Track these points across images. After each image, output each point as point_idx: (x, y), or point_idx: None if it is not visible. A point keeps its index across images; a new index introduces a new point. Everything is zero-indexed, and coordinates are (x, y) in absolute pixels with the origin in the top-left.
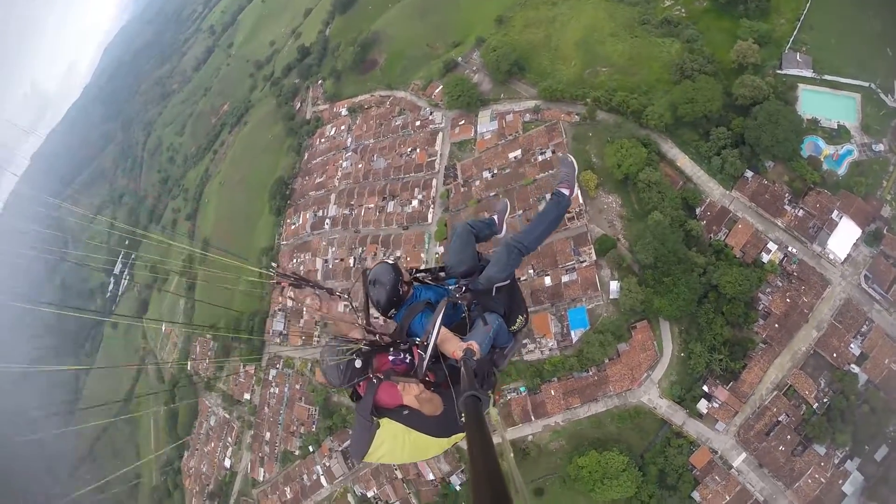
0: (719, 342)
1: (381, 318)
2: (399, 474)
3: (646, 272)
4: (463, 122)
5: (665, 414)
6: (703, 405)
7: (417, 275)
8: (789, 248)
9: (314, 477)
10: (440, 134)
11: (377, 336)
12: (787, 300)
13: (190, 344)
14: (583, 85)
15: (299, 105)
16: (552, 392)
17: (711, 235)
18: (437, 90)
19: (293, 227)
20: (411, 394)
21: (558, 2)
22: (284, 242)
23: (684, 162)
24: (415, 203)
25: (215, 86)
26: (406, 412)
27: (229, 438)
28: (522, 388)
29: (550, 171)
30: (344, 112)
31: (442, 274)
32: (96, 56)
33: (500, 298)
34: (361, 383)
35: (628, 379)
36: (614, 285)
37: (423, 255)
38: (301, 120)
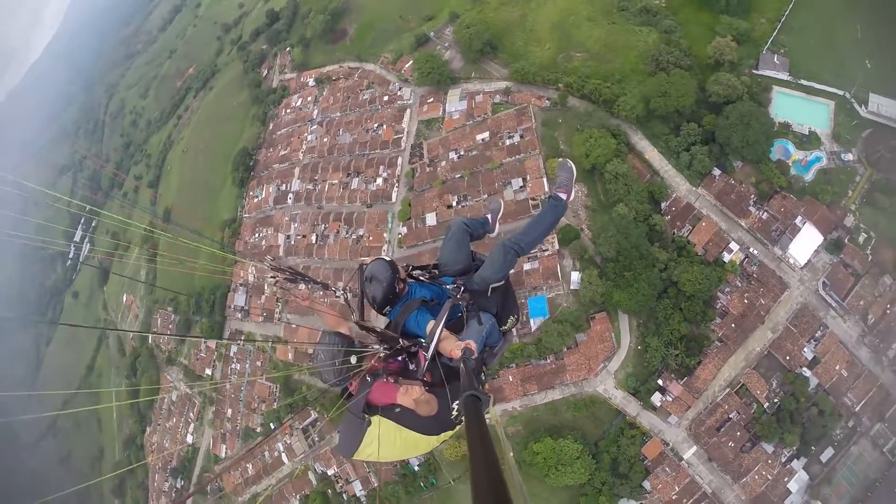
0: (676, 338)
1: (375, 315)
2: None
3: (607, 265)
4: (432, 99)
5: (620, 405)
6: (657, 398)
7: (413, 272)
8: (751, 250)
9: (276, 454)
10: (408, 111)
11: (370, 332)
12: (745, 301)
13: (151, 317)
14: (556, 69)
15: (266, 72)
16: (510, 378)
17: (675, 231)
18: (406, 65)
19: (256, 200)
20: (412, 396)
21: None
22: (247, 215)
23: (653, 155)
24: (379, 181)
25: (181, 48)
26: (398, 410)
27: (191, 414)
28: None
29: (518, 156)
30: (311, 83)
31: (436, 272)
32: (59, 13)
33: (494, 298)
34: (353, 381)
35: (585, 369)
36: (575, 276)
37: (385, 234)
38: (267, 88)
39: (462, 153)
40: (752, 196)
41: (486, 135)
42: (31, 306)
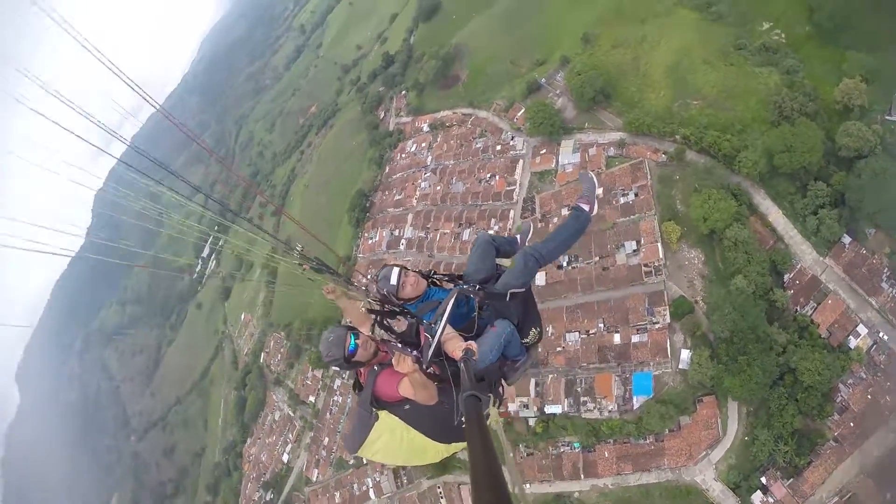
0: (787, 432)
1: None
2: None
3: (720, 346)
4: (544, 151)
5: (717, 498)
6: (757, 497)
7: (434, 277)
8: (880, 335)
9: (363, 488)
10: (521, 161)
11: (388, 330)
12: (868, 396)
13: (265, 337)
14: (672, 119)
15: (383, 115)
16: (605, 454)
17: (797, 308)
18: (519, 113)
19: (370, 241)
20: (404, 368)
21: (647, 19)
22: (361, 255)
23: (777, 217)
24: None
25: (304, 86)
26: (407, 407)
27: (290, 435)
28: (576, 444)
29: (632, 217)
30: (426, 128)
31: (460, 281)
32: (195, 46)
33: (514, 307)
34: (363, 370)
35: (685, 455)
36: (685, 354)
37: None
38: (384, 131)
39: None
40: (886, 270)
41: (599, 191)
42: (157, 309)
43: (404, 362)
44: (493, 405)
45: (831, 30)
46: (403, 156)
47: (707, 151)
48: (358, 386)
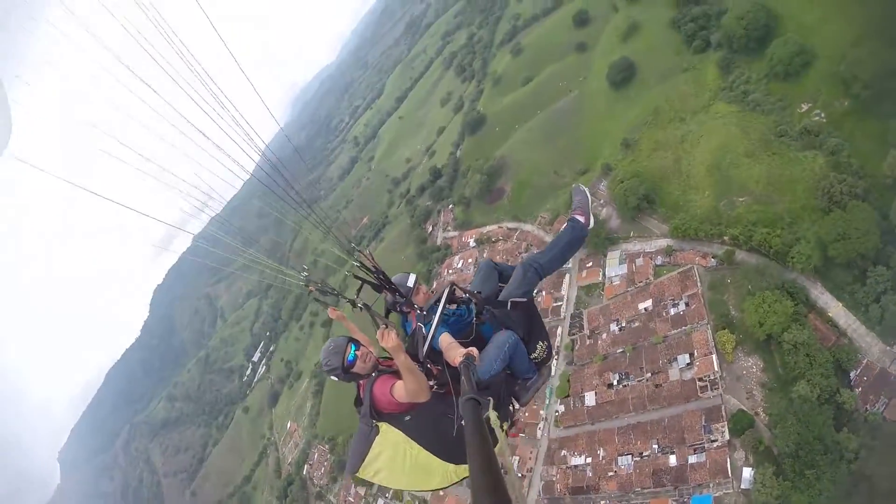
0: None
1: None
2: None
3: (785, 461)
4: (591, 264)
5: None
6: None
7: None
8: None
9: None
10: (567, 276)
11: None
12: None
13: (310, 448)
14: (718, 219)
15: (431, 229)
16: None
17: (867, 407)
18: (563, 226)
19: None
20: (388, 343)
21: (686, 118)
22: None
23: (837, 311)
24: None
25: (356, 197)
26: (408, 418)
27: None
28: None
29: (683, 328)
30: (472, 243)
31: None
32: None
33: (518, 319)
34: (362, 384)
35: None
36: (748, 473)
37: (542, 411)
38: (432, 246)
39: (624, 324)
40: None
41: (648, 303)
42: (205, 408)
43: (388, 336)
44: (502, 425)
45: (870, 100)
46: (451, 272)
47: (758, 250)
48: (358, 402)
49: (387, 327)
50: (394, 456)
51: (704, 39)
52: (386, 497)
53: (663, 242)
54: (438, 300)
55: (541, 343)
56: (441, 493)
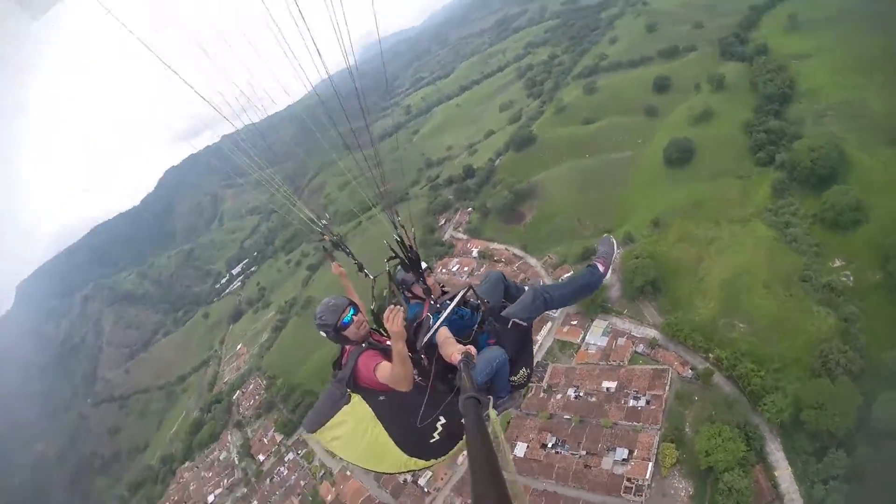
0: None
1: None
2: None
3: None
4: (575, 322)
5: None
6: None
7: (446, 289)
8: None
9: None
10: (549, 323)
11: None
12: None
13: (249, 377)
14: (712, 335)
15: (443, 223)
16: None
17: None
18: (565, 275)
19: None
20: (394, 326)
21: (722, 223)
22: None
23: (784, 474)
24: None
25: (386, 164)
26: (382, 398)
27: (226, 480)
28: None
29: (634, 423)
30: (475, 253)
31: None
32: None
33: (511, 339)
34: (347, 349)
35: None
36: None
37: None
38: (437, 238)
39: (581, 394)
40: None
41: (613, 384)
42: (171, 298)
43: (396, 318)
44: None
45: None
46: (444, 271)
47: (736, 381)
48: (337, 365)
49: (398, 308)
50: (355, 429)
51: (770, 155)
52: (298, 453)
53: (651, 333)
54: (453, 297)
55: (524, 369)
56: (349, 473)
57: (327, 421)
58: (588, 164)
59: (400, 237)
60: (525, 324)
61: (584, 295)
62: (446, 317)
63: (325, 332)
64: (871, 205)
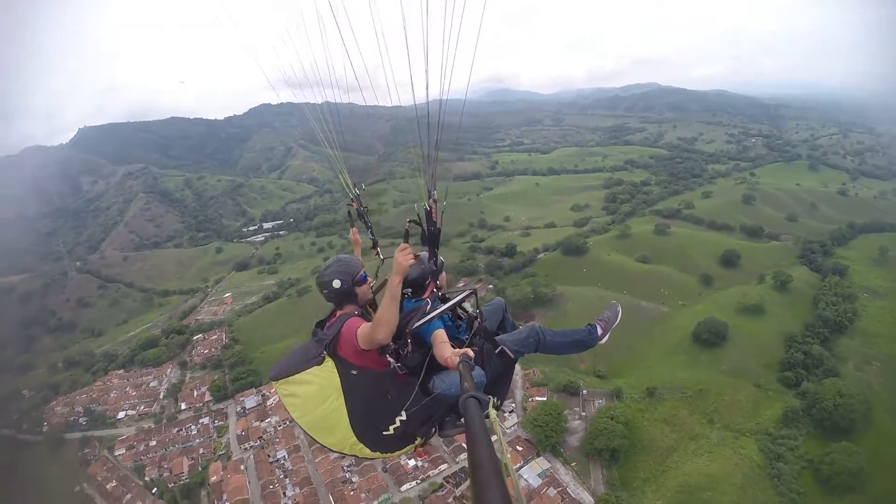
0: None
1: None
2: None
3: None
4: (521, 448)
5: None
6: None
7: (447, 295)
8: None
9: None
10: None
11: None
12: None
13: (217, 327)
14: None
15: (461, 285)
16: None
17: None
18: (539, 397)
19: None
20: (404, 259)
21: (715, 424)
22: None
23: None
24: None
25: (448, 205)
26: (355, 372)
27: (141, 407)
28: None
29: None
30: None
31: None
32: None
33: (495, 365)
34: (338, 312)
35: None
36: None
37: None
38: (444, 296)
39: None
40: None
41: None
42: (198, 216)
43: (408, 254)
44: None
45: None
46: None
47: None
48: (321, 325)
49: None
50: (316, 394)
51: (798, 378)
52: (214, 422)
53: (587, 500)
54: (457, 295)
55: (493, 398)
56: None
57: (292, 376)
58: (620, 300)
59: (430, 208)
60: (513, 356)
61: (577, 350)
62: (447, 308)
63: (341, 282)
64: (872, 477)
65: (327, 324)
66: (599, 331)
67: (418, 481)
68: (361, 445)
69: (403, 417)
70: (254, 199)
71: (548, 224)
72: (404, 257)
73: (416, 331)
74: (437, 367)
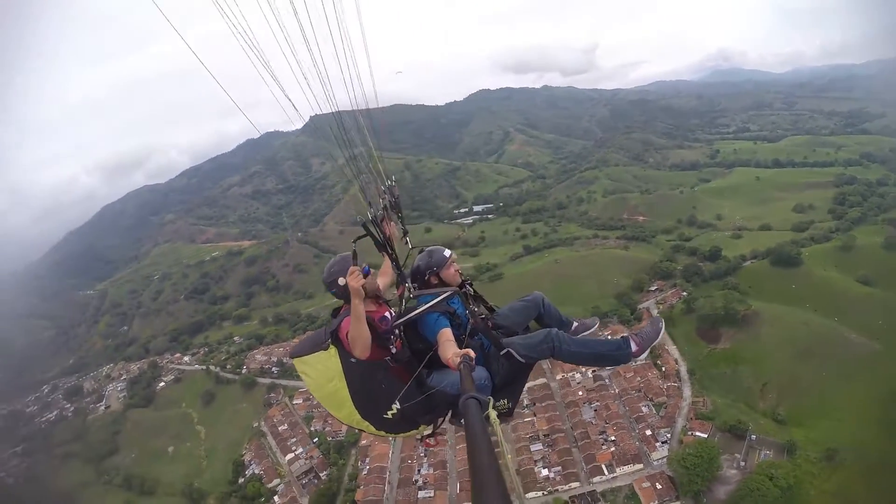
0: None
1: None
2: None
3: None
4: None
5: None
6: None
7: (467, 284)
8: None
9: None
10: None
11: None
12: None
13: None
14: None
15: (654, 289)
16: None
17: None
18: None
19: None
20: (353, 282)
21: None
22: None
23: None
24: None
25: (658, 196)
26: (353, 360)
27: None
28: None
29: None
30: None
31: (483, 309)
32: None
33: (502, 367)
34: (345, 305)
35: None
36: None
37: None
38: (633, 301)
39: None
40: None
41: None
42: (415, 199)
43: (357, 276)
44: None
45: None
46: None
47: None
48: (335, 314)
49: (358, 267)
50: (323, 374)
51: None
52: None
53: None
54: (445, 291)
55: (504, 400)
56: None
57: (304, 355)
58: (827, 328)
59: (376, 216)
60: (522, 360)
61: (601, 365)
62: (435, 305)
63: (347, 269)
64: None
65: (337, 315)
66: (634, 347)
67: (545, 493)
68: (367, 423)
69: (399, 406)
70: (468, 182)
71: (763, 226)
72: (353, 281)
73: (415, 328)
74: (439, 363)
